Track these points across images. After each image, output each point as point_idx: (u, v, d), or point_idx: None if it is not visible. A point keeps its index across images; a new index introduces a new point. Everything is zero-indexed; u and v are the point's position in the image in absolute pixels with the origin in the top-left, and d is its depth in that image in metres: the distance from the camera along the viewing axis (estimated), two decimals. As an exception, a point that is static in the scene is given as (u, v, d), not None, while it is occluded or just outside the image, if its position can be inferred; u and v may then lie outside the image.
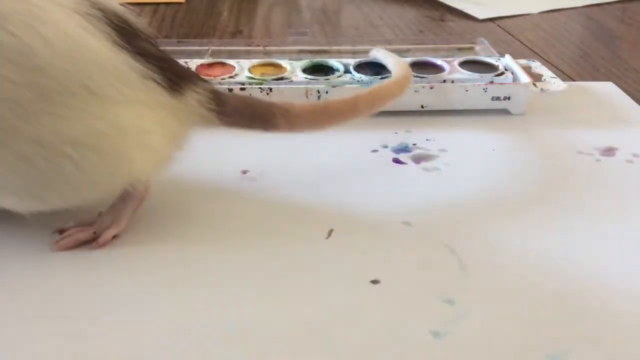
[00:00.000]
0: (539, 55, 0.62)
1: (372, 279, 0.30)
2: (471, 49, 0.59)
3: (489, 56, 0.53)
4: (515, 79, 0.48)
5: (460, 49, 0.60)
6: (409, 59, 0.51)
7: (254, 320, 0.27)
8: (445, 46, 0.61)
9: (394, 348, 0.26)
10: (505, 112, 0.47)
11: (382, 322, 0.27)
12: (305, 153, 0.41)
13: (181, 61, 0.51)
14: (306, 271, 0.30)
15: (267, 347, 0.26)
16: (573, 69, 0.59)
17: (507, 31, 0.71)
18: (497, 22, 0.75)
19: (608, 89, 0.52)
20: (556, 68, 0.58)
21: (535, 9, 0.79)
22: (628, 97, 0.50)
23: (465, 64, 0.50)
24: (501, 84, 0.46)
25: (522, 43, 0.67)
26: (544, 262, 0.31)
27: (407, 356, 0.25)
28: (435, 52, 0.59)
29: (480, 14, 0.76)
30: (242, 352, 0.26)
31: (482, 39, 0.59)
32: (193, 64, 0.51)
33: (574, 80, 0.55)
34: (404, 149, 0.42)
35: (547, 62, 0.60)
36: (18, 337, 0.26)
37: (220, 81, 0.48)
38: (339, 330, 0.27)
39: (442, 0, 0.82)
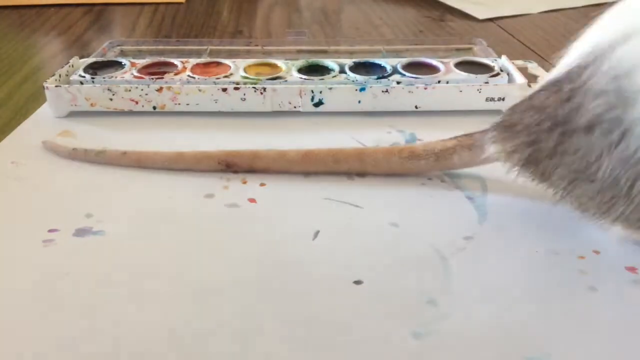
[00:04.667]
0: (539, 55, 0.62)
1: (356, 279, 0.30)
2: (469, 49, 0.59)
3: (486, 57, 0.53)
4: (510, 80, 0.48)
5: (458, 50, 0.60)
6: (405, 60, 0.51)
7: (237, 315, 0.27)
8: (444, 47, 0.61)
9: (374, 348, 0.26)
10: (500, 113, 0.46)
11: (363, 323, 0.27)
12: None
13: (178, 60, 0.51)
14: (292, 273, 0.30)
15: (251, 344, 0.26)
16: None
17: (507, 31, 0.71)
18: (497, 22, 0.74)
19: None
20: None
21: (535, 9, 0.78)
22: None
23: (461, 65, 0.50)
24: (495, 85, 0.46)
25: (522, 43, 0.67)
26: (530, 263, 0.31)
27: (387, 357, 0.25)
28: (434, 52, 0.59)
29: (480, 14, 0.76)
30: (229, 348, 0.26)
31: (481, 39, 0.59)
32: (189, 64, 0.51)
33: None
34: (396, 149, 0.42)
35: (546, 62, 0.60)
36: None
37: (215, 80, 0.48)
38: (320, 329, 0.27)
39: (442, 0, 0.81)
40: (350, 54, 0.59)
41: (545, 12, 0.78)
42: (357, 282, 0.29)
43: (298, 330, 0.27)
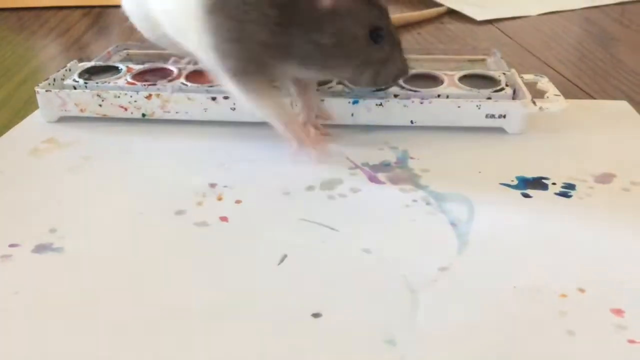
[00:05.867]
0: (538, 58, 0.60)
1: (315, 311, 0.28)
2: (483, 60, 0.56)
3: (495, 70, 0.50)
4: (515, 96, 0.45)
5: (471, 61, 0.57)
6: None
7: (177, 347, 0.26)
8: (456, 57, 0.58)
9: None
10: (501, 130, 0.44)
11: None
12: (272, 167, 0.40)
13: (175, 67, 0.50)
14: (249, 301, 0.29)
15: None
16: (571, 71, 0.57)
17: (506, 34, 0.69)
18: (496, 24, 0.72)
19: (619, 107, 0.48)
20: (558, 73, 0.56)
21: (534, 11, 0.76)
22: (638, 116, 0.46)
23: (466, 78, 0.47)
24: (496, 101, 0.43)
25: (520, 45, 0.65)
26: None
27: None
28: (445, 63, 0.56)
29: (478, 15, 0.74)
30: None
31: (495, 50, 0.56)
32: (186, 70, 0.49)
33: (581, 90, 0.52)
34: (386, 166, 0.40)
35: (545, 65, 0.58)
36: None
37: (207, 89, 0.46)
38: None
39: (439, 2, 0.79)
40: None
41: (544, 14, 0.76)
42: (316, 315, 0.28)
43: (242, 367, 0.25)
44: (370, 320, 0.27)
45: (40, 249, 0.32)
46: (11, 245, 0.32)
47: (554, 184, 0.37)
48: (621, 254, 0.31)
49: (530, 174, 0.38)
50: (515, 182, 0.37)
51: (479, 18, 0.74)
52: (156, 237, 0.33)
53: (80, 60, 0.53)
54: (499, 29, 0.71)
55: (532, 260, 0.31)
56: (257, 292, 0.29)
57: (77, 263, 0.31)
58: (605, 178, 0.38)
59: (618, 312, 0.27)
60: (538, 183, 0.37)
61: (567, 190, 0.36)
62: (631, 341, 0.26)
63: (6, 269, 0.30)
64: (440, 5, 0.79)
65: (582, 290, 0.29)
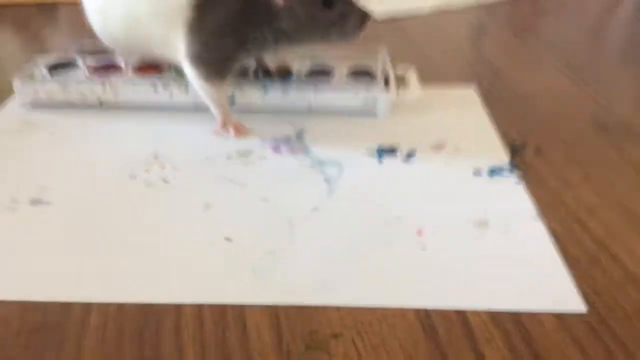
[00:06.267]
0: (423, 53, 0.75)
1: (227, 236, 0.42)
2: (374, 54, 0.71)
3: (376, 64, 0.64)
4: (385, 87, 0.60)
5: (366, 54, 0.71)
6: (310, 66, 0.62)
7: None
8: (354, 52, 0.72)
9: (220, 280, 0.38)
10: (373, 113, 0.59)
11: (220, 263, 0.40)
12: (199, 141, 0.54)
13: (123, 62, 0.63)
14: (181, 235, 0.43)
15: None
16: (442, 62, 0.73)
17: (403, 31, 0.84)
18: (397, 22, 0.87)
19: (467, 93, 0.64)
20: (430, 64, 0.71)
21: (427, 8, 0.91)
22: (479, 103, 0.62)
23: (353, 73, 0.62)
24: (369, 92, 0.58)
25: (408, 40, 0.80)
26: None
27: (231, 287, 0.38)
28: (344, 58, 0.71)
29: (380, 14, 0.88)
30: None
31: (384, 46, 0.71)
32: (133, 65, 0.62)
33: (444, 78, 0.68)
34: (286, 140, 0.55)
35: (428, 60, 0.73)
36: None
37: (151, 80, 0.59)
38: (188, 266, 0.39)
39: None
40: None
41: (437, 11, 0.92)
42: (228, 239, 0.42)
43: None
44: (261, 241, 0.42)
45: (35, 202, 0.45)
46: (13, 201, 0.45)
47: (401, 152, 0.53)
48: (439, 197, 0.47)
49: (386, 145, 0.54)
50: (375, 151, 0.53)
51: (379, 17, 0.88)
52: (116, 195, 0.47)
53: (40, 52, 0.65)
54: (396, 26, 0.86)
55: (380, 202, 0.46)
56: (185, 227, 0.43)
57: (59, 213, 0.45)
58: (438, 146, 0.53)
59: (420, 231, 0.43)
60: (390, 151, 0.53)
61: (409, 157, 0.52)
62: (423, 248, 0.41)
63: (12, 216, 0.44)
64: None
65: (398, 218, 0.44)
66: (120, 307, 0.36)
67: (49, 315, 0.36)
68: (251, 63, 0.60)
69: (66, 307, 0.36)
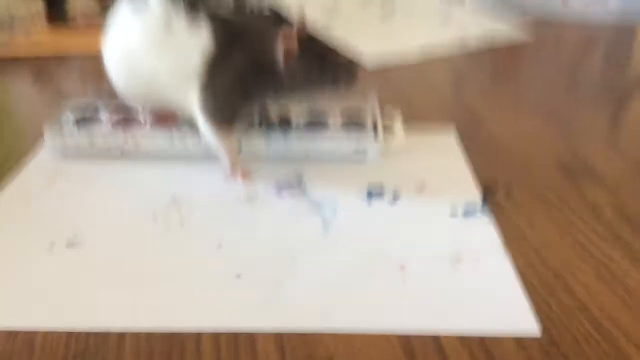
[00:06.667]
0: (408, 98, 0.83)
1: (237, 273, 0.49)
2: (365, 101, 0.79)
3: (367, 115, 0.72)
4: (374, 137, 0.67)
5: (357, 104, 0.79)
6: (308, 119, 0.70)
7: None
8: (346, 102, 0.79)
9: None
10: (364, 161, 0.66)
11: (225, 283, 0.47)
12: (211, 188, 0.61)
13: (142, 117, 0.70)
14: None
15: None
16: (426, 109, 0.81)
17: (390, 81, 0.92)
18: (385, 72, 0.95)
19: (447, 137, 0.72)
20: (415, 110, 0.78)
21: (414, 58, 0.99)
22: (458, 147, 0.69)
23: (346, 124, 0.70)
24: (360, 141, 0.66)
25: (396, 89, 0.88)
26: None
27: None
28: (337, 108, 0.78)
29: (369, 64, 0.96)
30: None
31: (374, 96, 0.78)
32: (149, 117, 0.70)
33: (426, 124, 0.75)
34: (288, 185, 0.62)
35: (411, 104, 0.80)
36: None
37: (169, 134, 0.67)
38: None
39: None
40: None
41: (421, 59, 1.00)
42: (238, 276, 0.49)
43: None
44: (266, 275, 0.49)
45: (70, 244, 0.53)
46: (51, 243, 0.53)
47: (387, 194, 0.60)
48: (420, 235, 0.54)
49: (375, 188, 0.61)
50: (365, 194, 0.60)
51: (369, 68, 0.97)
52: (140, 236, 0.54)
53: (64, 105, 0.73)
54: (385, 75, 0.94)
55: (369, 240, 0.53)
56: (202, 264, 0.50)
57: (93, 254, 0.52)
58: (420, 188, 0.61)
59: (402, 267, 0.50)
60: (378, 194, 0.60)
61: (394, 199, 0.59)
62: (405, 280, 0.48)
63: (51, 257, 0.51)
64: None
65: (384, 254, 0.51)
66: (149, 335, 0.43)
67: (90, 342, 0.42)
68: (255, 114, 0.68)
69: (104, 335, 0.43)
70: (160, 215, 0.57)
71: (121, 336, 0.43)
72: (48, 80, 0.93)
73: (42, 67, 0.98)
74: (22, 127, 0.78)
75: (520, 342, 0.43)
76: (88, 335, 0.43)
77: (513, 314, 0.45)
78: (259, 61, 0.59)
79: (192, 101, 0.60)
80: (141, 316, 0.45)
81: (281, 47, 0.58)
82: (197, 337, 0.43)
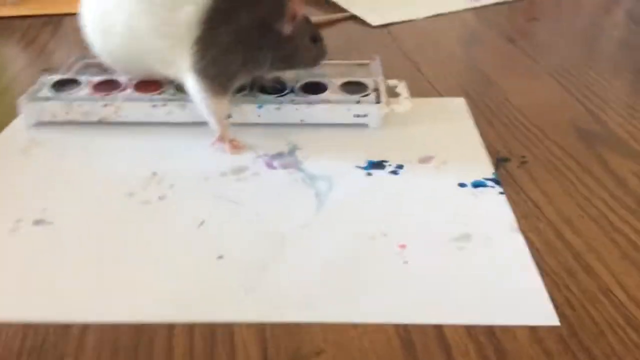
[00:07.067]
0: (410, 60, 0.77)
1: (219, 254, 0.44)
2: (367, 64, 0.73)
3: (369, 76, 0.66)
4: (377, 99, 0.61)
5: (360, 65, 0.73)
6: (303, 81, 0.64)
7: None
8: (347, 62, 0.74)
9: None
10: (365, 125, 0.61)
11: (214, 274, 0.42)
12: (195, 159, 0.56)
13: (125, 78, 0.65)
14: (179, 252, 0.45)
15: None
16: (432, 72, 0.74)
17: (393, 37, 0.86)
18: (388, 28, 0.89)
19: (456, 103, 0.66)
20: (421, 74, 0.72)
21: (421, 14, 0.93)
22: (468, 115, 0.63)
23: (345, 85, 0.64)
24: (361, 104, 0.60)
25: (400, 49, 0.82)
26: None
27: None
28: (337, 67, 0.72)
29: (374, 21, 0.90)
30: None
31: (377, 56, 0.72)
32: (133, 81, 0.64)
33: (434, 89, 0.69)
34: (280, 155, 0.56)
35: (417, 70, 0.74)
36: None
37: (150, 97, 0.62)
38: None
39: (340, 5, 0.96)
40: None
41: (429, 17, 0.93)
42: (220, 257, 0.44)
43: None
44: (251, 258, 0.44)
45: (38, 222, 0.48)
46: (17, 220, 0.48)
47: (389, 165, 0.54)
48: (424, 210, 0.48)
49: (375, 158, 0.55)
50: (365, 165, 0.54)
51: (374, 23, 0.90)
52: (114, 213, 0.49)
53: (45, 70, 0.67)
54: (388, 34, 0.87)
55: (366, 216, 0.48)
56: (180, 244, 0.45)
57: (60, 233, 0.47)
58: (425, 159, 0.55)
59: (403, 246, 0.45)
60: (379, 165, 0.54)
61: (397, 169, 0.54)
62: (405, 262, 0.43)
63: (15, 237, 0.46)
64: (345, 10, 0.95)
65: (383, 232, 0.46)
66: (115, 327, 0.38)
67: (49, 336, 0.38)
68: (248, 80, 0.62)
69: (64, 327, 0.38)
70: (138, 190, 0.52)
71: (84, 328, 0.38)
72: (35, 43, 0.87)
73: (30, 27, 0.92)
74: (7, 89, 0.72)
75: (535, 332, 0.37)
76: (47, 327, 0.38)
77: (527, 300, 0.40)
78: (266, 22, 0.55)
79: (180, 61, 0.54)
80: (107, 305, 0.40)
81: (291, 12, 0.54)
82: (169, 329, 0.38)
